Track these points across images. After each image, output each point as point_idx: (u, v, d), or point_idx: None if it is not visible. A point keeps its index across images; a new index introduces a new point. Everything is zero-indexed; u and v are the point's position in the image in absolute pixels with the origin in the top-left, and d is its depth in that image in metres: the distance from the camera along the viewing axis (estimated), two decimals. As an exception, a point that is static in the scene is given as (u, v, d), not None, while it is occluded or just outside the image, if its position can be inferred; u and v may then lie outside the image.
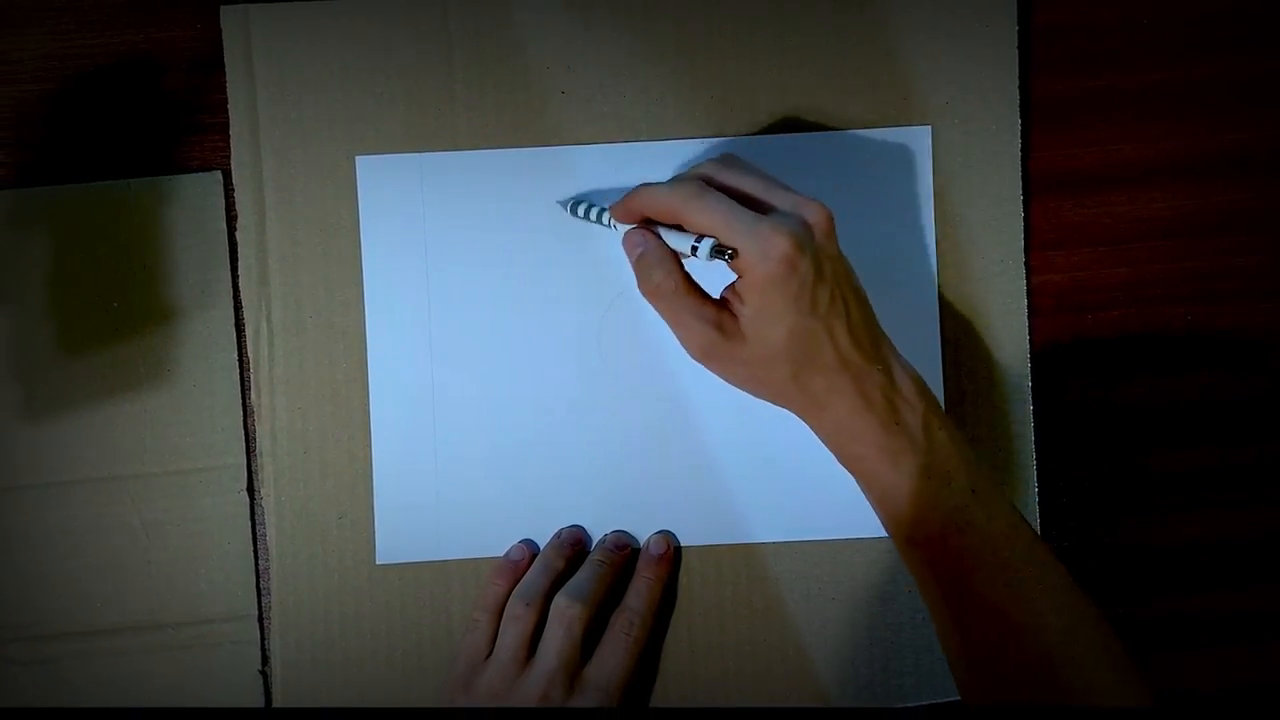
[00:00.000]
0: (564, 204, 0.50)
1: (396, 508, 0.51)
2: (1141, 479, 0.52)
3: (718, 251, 0.43)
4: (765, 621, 0.51)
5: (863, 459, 0.44)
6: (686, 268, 0.45)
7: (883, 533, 0.49)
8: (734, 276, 0.44)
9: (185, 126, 0.52)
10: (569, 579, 0.49)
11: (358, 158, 0.51)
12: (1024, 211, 0.51)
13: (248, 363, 0.51)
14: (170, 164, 0.51)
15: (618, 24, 0.51)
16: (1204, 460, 0.52)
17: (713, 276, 0.45)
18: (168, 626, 0.51)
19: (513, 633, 0.48)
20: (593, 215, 0.49)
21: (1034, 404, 0.52)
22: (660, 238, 0.45)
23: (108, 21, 0.51)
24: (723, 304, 0.44)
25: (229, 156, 0.51)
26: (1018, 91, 0.51)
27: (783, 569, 0.51)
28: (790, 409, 0.46)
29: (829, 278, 0.43)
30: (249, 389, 0.51)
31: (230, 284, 0.51)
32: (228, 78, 0.51)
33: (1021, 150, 0.51)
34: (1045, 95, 0.52)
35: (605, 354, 0.51)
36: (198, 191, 0.51)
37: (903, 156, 0.51)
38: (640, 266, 0.45)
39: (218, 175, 0.51)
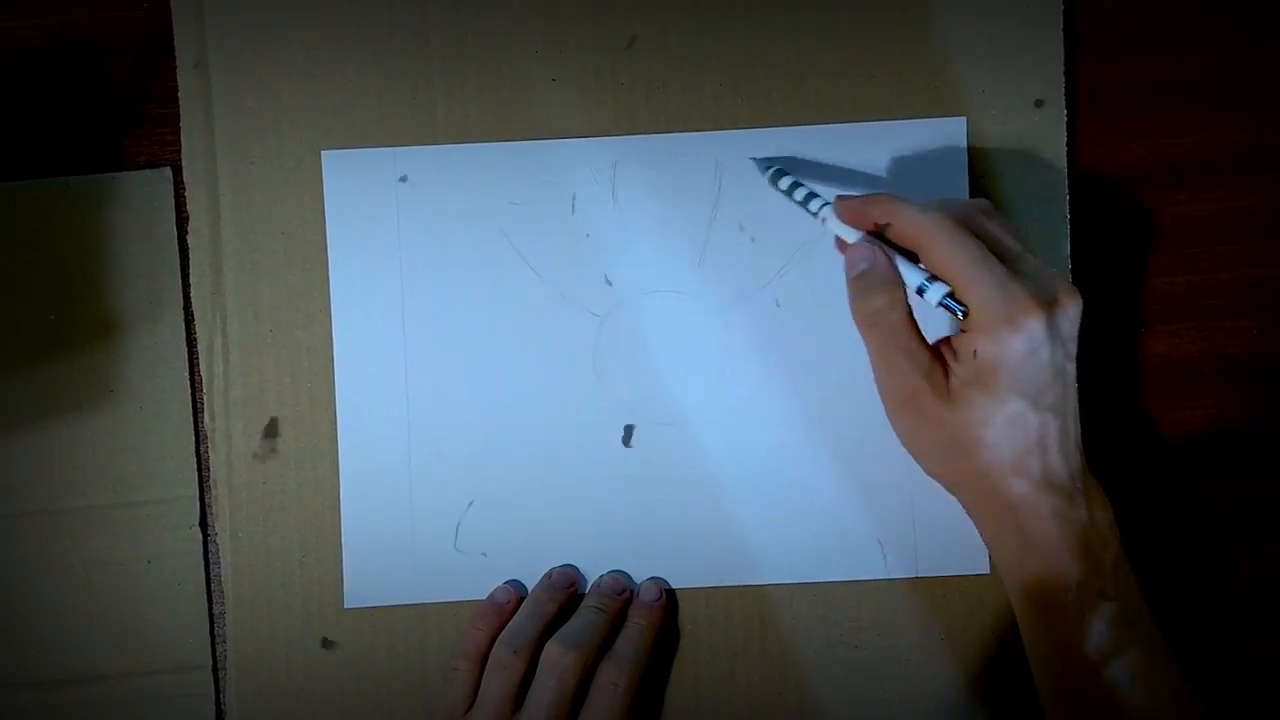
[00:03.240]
0: (761, 165, 0.48)
1: (367, 545, 0.49)
2: (1199, 511, 0.50)
3: (949, 303, 0.41)
4: (779, 670, 0.50)
5: (1042, 587, 0.41)
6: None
7: (909, 574, 0.49)
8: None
9: (130, 118, 0.50)
10: (560, 624, 0.47)
11: (323, 152, 0.49)
12: (1068, 212, 0.49)
13: (200, 382, 0.49)
14: (114, 160, 0.50)
15: (611, 3, 0.49)
16: (1269, 491, 0.50)
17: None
18: (111, 678, 0.49)
19: (499, 683, 0.46)
20: (800, 197, 0.46)
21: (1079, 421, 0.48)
22: (891, 258, 0.43)
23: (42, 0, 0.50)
24: (938, 353, 0.42)
25: (179, 151, 0.49)
26: (1063, 78, 0.49)
27: (799, 613, 0.50)
28: (963, 501, 0.44)
29: (1062, 374, 0.41)
30: (201, 411, 0.49)
31: (181, 294, 0.50)
32: (178, 63, 0.49)
33: (1067, 144, 0.49)
34: (1093, 82, 0.50)
35: (601, 372, 0.49)
36: (144, 190, 0.50)
37: (934, 151, 0.49)
38: (860, 284, 0.43)
39: (167, 172, 0.50)
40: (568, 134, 0.49)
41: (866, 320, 0.43)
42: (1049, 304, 0.40)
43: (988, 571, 0.49)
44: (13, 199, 0.49)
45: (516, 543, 0.49)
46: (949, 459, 0.43)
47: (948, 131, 0.49)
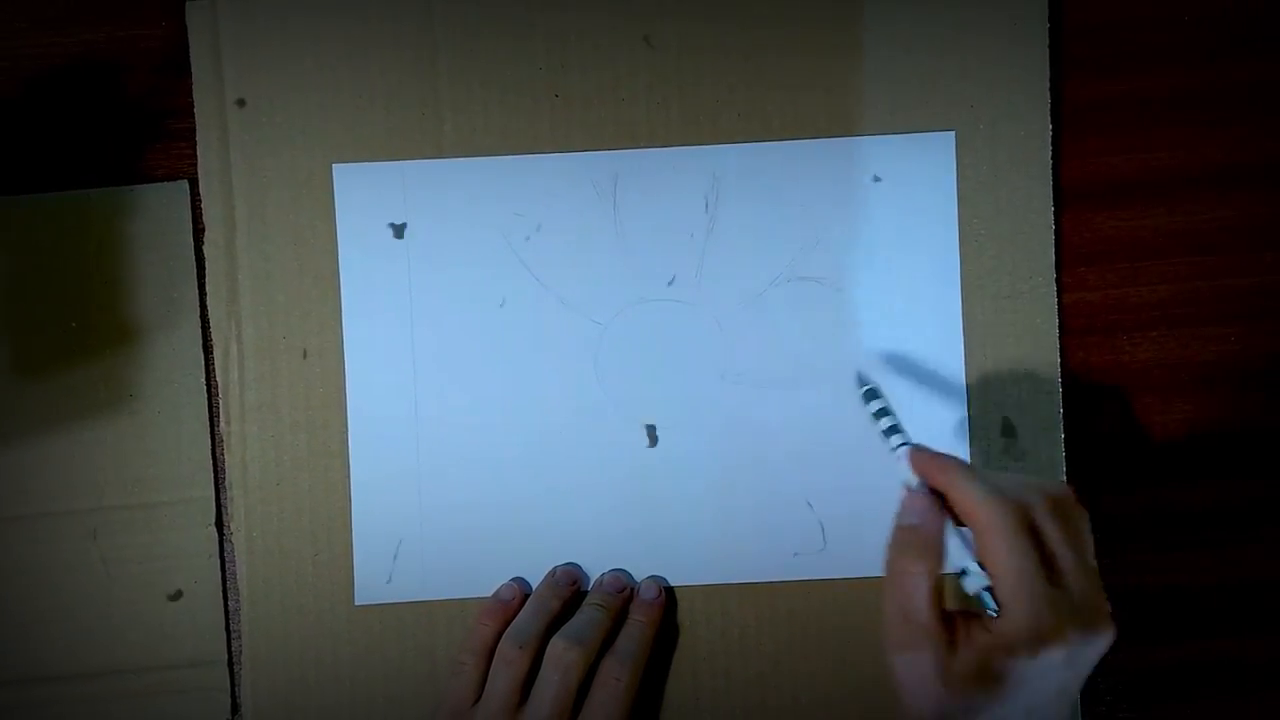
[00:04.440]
0: (860, 382, 0.48)
1: (377, 544, 0.49)
2: (1181, 512, 0.51)
3: (985, 598, 0.39)
4: (776, 666, 0.50)
5: None
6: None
7: None
8: None
9: (149, 133, 0.50)
10: (564, 621, 0.48)
11: (335, 166, 0.49)
12: (1055, 224, 0.50)
13: (216, 387, 0.49)
14: (133, 173, 0.50)
15: (616, 22, 0.49)
16: (1249, 493, 0.50)
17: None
18: (130, 673, 0.49)
19: (505, 677, 0.46)
20: (884, 427, 0.45)
21: (1065, 431, 0.50)
22: (943, 527, 0.41)
23: (65, 19, 0.50)
24: (950, 627, 0.40)
25: (195, 165, 0.49)
26: (1048, 94, 0.49)
27: (796, 609, 0.50)
28: None
29: (1066, 693, 0.40)
30: (217, 416, 0.50)
31: (197, 302, 0.50)
32: (194, 80, 0.49)
33: (1052, 158, 0.50)
34: (1078, 98, 0.50)
35: (603, 377, 0.50)
36: (162, 202, 0.50)
37: (924, 164, 0.49)
38: (902, 537, 0.41)
39: (184, 185, 0.50)
40: (570, 148, 0.49)
41: (893, 573, 0.41)
42: (1081, 634, 0.38)
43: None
44: (37, 210, 0.49)
45: (521, 541, 0.49)
46: (916, 706, 0.40)
47: (937, 145, 0.49)
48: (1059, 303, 0.50)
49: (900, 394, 0.49)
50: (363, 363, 0.49)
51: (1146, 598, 0.50)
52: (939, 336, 0.49)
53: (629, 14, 0.49)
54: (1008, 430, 0.49)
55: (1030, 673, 0.38)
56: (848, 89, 0.49)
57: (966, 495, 0.40)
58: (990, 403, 0.49)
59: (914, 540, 0.41)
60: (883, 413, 0.45)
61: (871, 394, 0.46)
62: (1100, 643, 0.39)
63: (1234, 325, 0.50)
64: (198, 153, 0.49)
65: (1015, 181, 0.49)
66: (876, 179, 0.49)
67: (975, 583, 0.40)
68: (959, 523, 0.41)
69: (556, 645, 0.46)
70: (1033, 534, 0.39)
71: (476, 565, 0.49)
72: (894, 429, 0.45)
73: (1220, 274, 0.50)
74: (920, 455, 0.43)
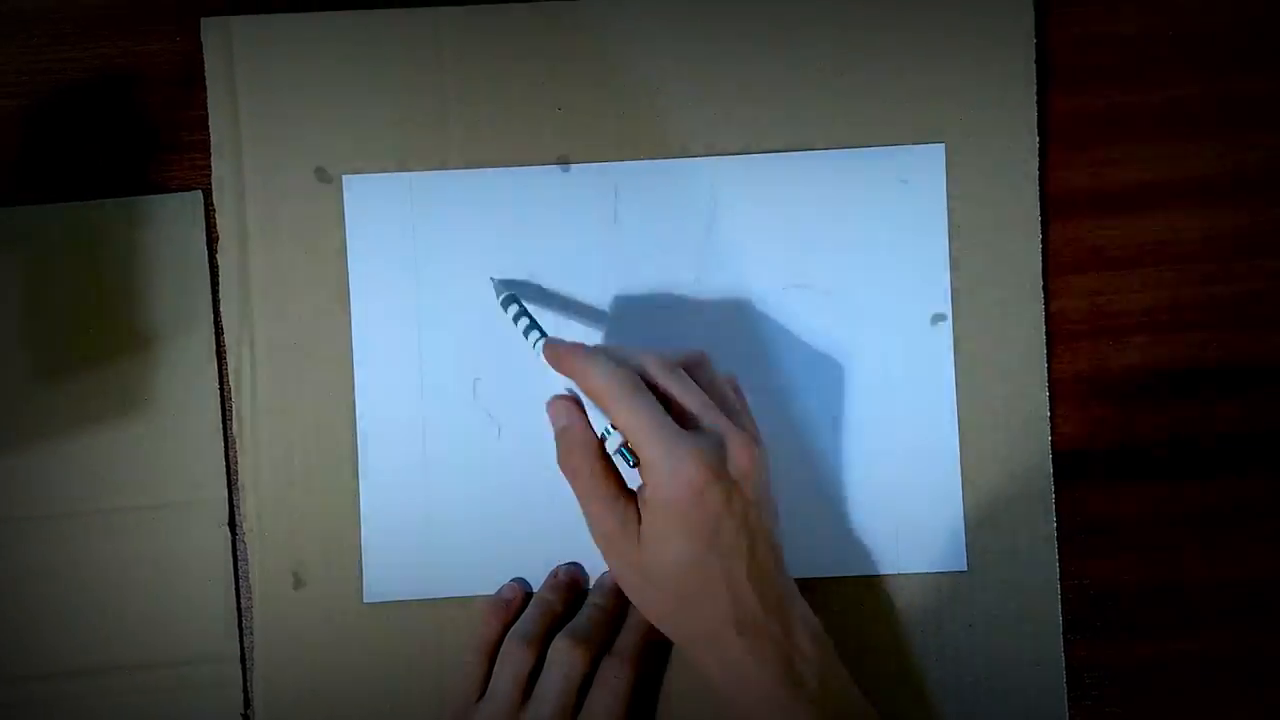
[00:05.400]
0: (495, 285, 0.49)
1: (385, 544, 0.50)
2: (1164, 511, 0.51)
3: (623, 452, 0.43)
4: None
5: (750, 710, 0.43)
6: None
7: (904, 569, 0.50)
8: None
9: (164, 144, 0.50)
10: (567, 620, 0.48)
11: (345, 177, 0.50)
12: (1042, 234, 0.50)
13: (229, 391, 0.50)
14: (148, 183, 0.50)
15: (615, 39, 0.50)
16: (1232, 493, 0.51)
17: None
18: (144, 668, 0.49)
19: (509, 674, 0.47)
20: (521, 326, 0.47)
21: (1051, 434, 0.50)
22: (585, 415, 0.45)
23: (82, 34, 0.50)
24: (634, 501, 0.44)
25: (209, 175, 0.50)
26: (1035, 108, 0.50)
27: None
28: (676, 642, 0.45)
29: (738, 515, 0.42)
30: (230, 419, 0.50)
31: (211, 308, 0.50)
32: (208, 93, 0.50)
33: (1039, 169, 0.50)
34: (1064, 112, 0.51)
35: None
36: (177, 212, 0.50)
37: (914, 176, 0.50)
38: (561, 440, 0.45)
39: (198, 195, 0.50)
40: (573, 160, 0.50)
41: (568, 473, 0.44)
42: (712, 456, 0.41)
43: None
44: (56, 220, 0.50)
45: (525, 541, 0.50)
46: (647, 604, 0.44)
47: (928, 157, 0.50)
48: (1045, 308, 0.50)
49: (891, 393, 0.50)
50: (371, 367, 0.50)
51: (1134, 595, 0.51)
52: (929, 341, 0.50)
53: (628, 32, 0.50)
54: (997, 431, 0.50)
55: (683, 502, 0.41)
56: (842, 104, 0.50)
57: (586, 372, 0.43)
58: (979, 405, 0.50)
59: (570, 440, 0.45)
60: (520, 314, 0.47)
61: (510, 300, 0.48)
62: (741, 458, 0.42)
63: (1214, 331, 0.51)
64: (211, 164, 0.50)
65: (1003, 192, 0.50)
66: (871, 189, 0.50)
67: (613, 443, 0.43)
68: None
69: (559, 644, 0.46)
70: (651, 391, 0.43)
71: (482, 564, 0.50)
72: (531, 327, 0.47)
73: (1201, 282, 0.51)
74: (551, 348, 0.45)
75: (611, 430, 0.43)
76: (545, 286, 0.50)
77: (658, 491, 0.42)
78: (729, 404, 0.44)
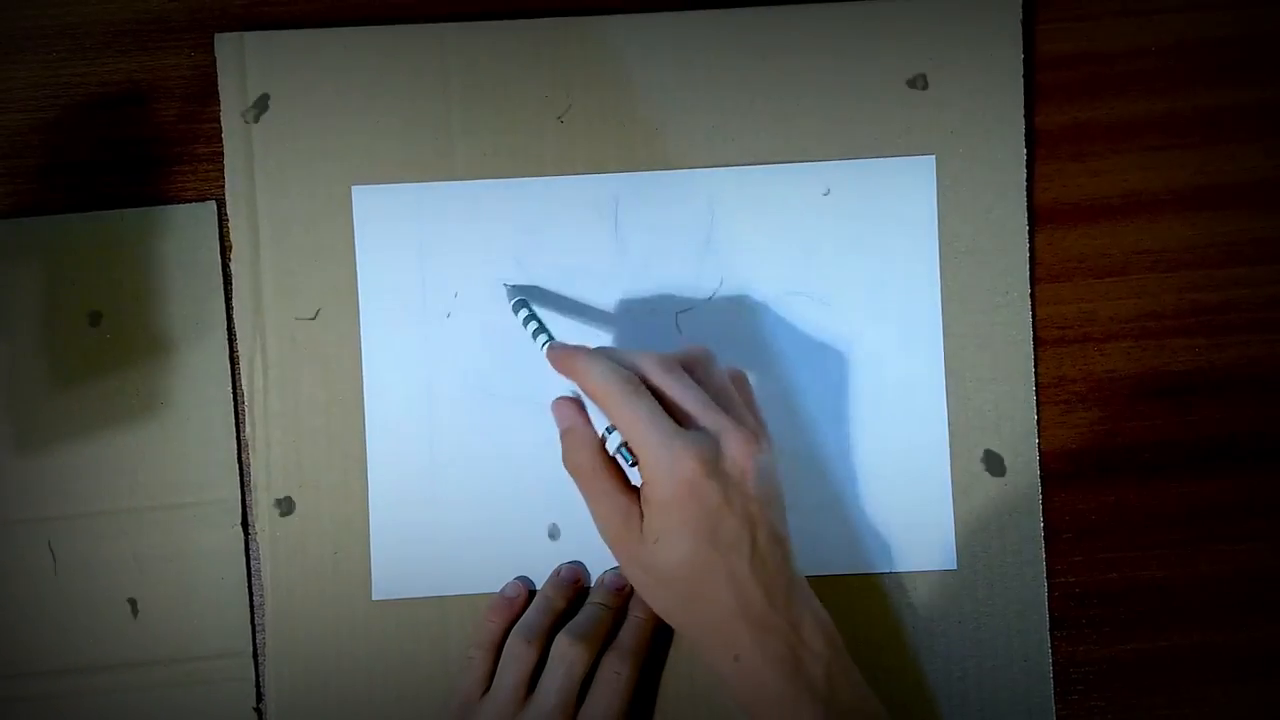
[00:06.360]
0: (507, 290, 0.50)
1: (393, 543, 0.50)
2: (1151, 512, 0.52)
3: (622, 452, 0.43)
4: None
5: (757, 705, 0.43)
6: None
7: (895, 568, 0.50)
8: None
9: (179, 156, 0.51)
10: (569, 617, 0.49)
11: (354, 188, 0.51)
12: (1029, 242, 0.51)
13: (242, 396, 0.51)
14: (163, 194, 0.51)
15: (616, 54, 0.51)
16: (1211, 495, 0.52)
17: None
18: (160, 664, 0.50)
19: (512, 671, 0.48)
20: (530, 330, 0.48)
21: (1039, 436, 0.51)
22: (587, 416, 0.45)
23: (100, 49, 0.51)
24: (638, 499, 0.44)
25: (223, 186, 0.51)
26: (1023, 120, 0.51)
27: None
28: (686, 637, 0.45)
29: (737, 510, 0.42)
30: (243, 422, 0.51)
31: (224, 316, 0.51)
32: (222, 107, 0.51)
33: (1026, 180, 0.51)
34: (1051, 124, 0.52)
35: None
36: (191, 222, 0.51)
37: (905, 186, 0.51)
38: (565, 440, 0.46)
39: (212, 206, 0.51)
40: (574, 171, 0.51)
41: (573, 471, 0.45)
42: (709, 452, 0.41)
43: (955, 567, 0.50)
44: (73, 229, 0.50)
45: (529, 541, 0.50)
46: (653, 599, 0.45)
47: (919, 169, 0.50)
48: (1033, 315, 0.51)
49: (885, 397, 0.51)
50: (379, 372, 0.50)
51: (1118, 593, 0.51)
52: (921, 347, 0.51)
53: (629, 47, 0.51)
54: (986, 433, 0.51)
55: (681, 498, 0.41)
56: (836, 117, 0.51)
57: (586, 374, 0.44)
58: (969, 409, 0.51)
59: (573, 441, 0.45)
60: (530, 318, 0.48)
61: (520, 304, 0.49)
62: (738, 454, 0.42)
63: (1198, 337, 0.52)
64: (225, 175, 0.50)
65: (992, 202, 0.51)
66: (864, 199, 0.51)
67: (614, 441, 0.44)
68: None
69: (562, 641, 0.47)
70: (650, 392, 0.43)
71: (486, 563, 0.50)
72: (540, 331, 0.47)
73: (1186, 289, 0.51)
74: (554, 350, 0.46)
75: (610, 432, 0.44)
76: (553, 293, 0.51)
77: (656, 489, 0.42)
78: (730, 400, 0.44)
